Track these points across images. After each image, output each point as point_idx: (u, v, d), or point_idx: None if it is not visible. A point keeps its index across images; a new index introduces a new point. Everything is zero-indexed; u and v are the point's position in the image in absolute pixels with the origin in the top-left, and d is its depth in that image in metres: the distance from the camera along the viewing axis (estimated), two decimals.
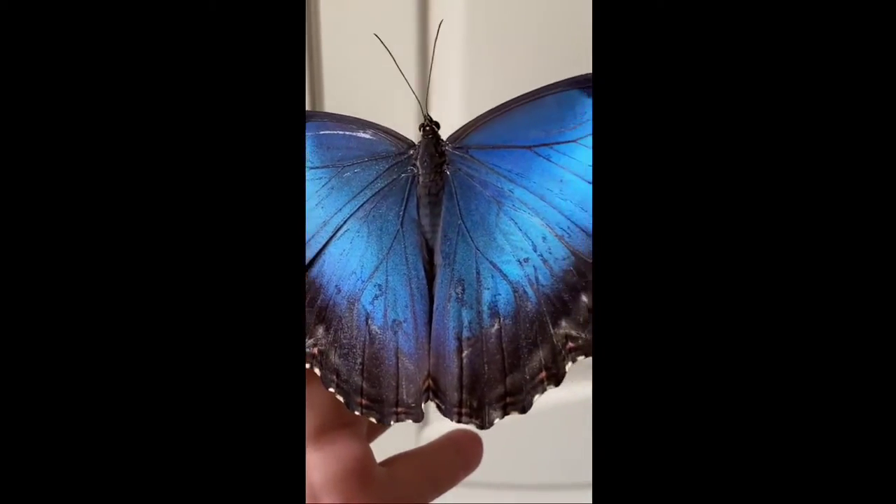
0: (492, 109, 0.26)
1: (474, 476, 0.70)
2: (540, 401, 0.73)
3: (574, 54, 0.49)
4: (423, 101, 0.27)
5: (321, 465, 0.27)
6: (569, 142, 0.26)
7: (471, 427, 0.27)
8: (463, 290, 0.26)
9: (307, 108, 0.46)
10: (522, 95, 0.26)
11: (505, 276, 0.26)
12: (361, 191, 0.27)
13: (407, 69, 0.48)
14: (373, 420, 0.27)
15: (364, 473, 0.27)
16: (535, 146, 0.26)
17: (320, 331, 0.27)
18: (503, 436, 0.69)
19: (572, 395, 0.66)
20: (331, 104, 0.48)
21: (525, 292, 0.26)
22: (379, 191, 0.27)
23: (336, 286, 0.27)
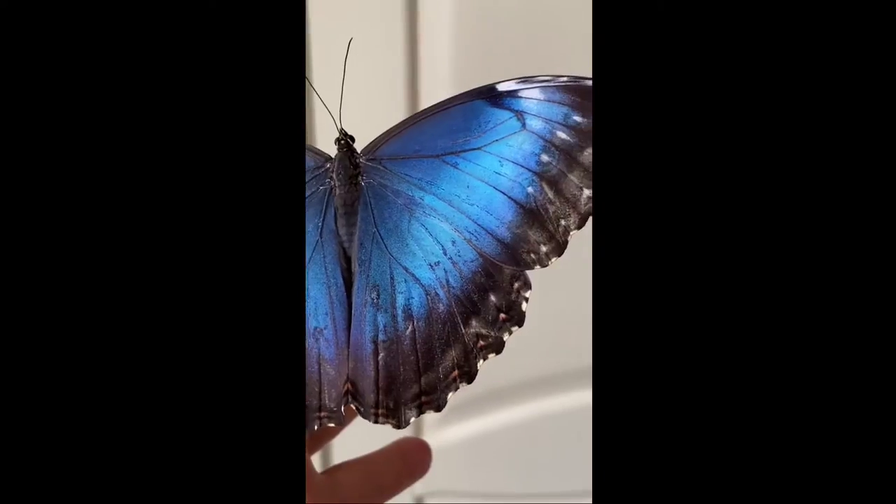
0: (402, 121, 0.28)
1: (468, 487, 0.70)
2: (537, 410, 0.73)
3: (564, 58, 0.50)
4: (338, 116, 0.28)
5: None
6: (474, 149, 0.27)
7: (388, 426, 0.27)
8: (378, 295, 0.27)
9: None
10: (430, 107, 0.27)
11: (417, 279, 0.27)
12: None
13: (396, 77, 0.50)
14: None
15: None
16: (443, 155, 0.27)
17: None
18: (501, 446, 0.69)
19: (570, 405, 0.66)
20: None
21: (437, 294, 0.27)
22: None
23: None
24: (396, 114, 0.49)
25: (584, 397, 0.64)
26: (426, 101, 0.51)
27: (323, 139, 0.49)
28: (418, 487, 0.66)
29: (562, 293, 0.58)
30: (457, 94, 0.27)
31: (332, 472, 0.30)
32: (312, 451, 0.32)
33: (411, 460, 0.33)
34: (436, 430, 0.66)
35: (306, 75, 0.31)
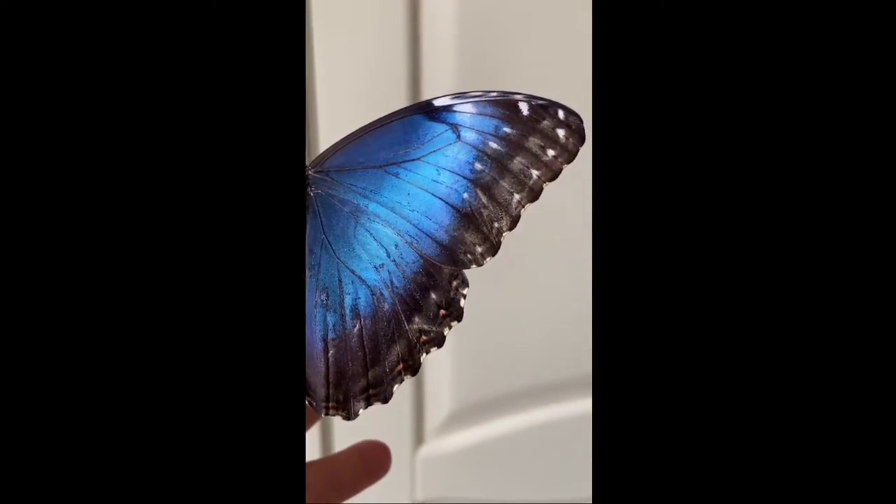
0: (347, 136, 0.30)
1: (469, 494, 0.70)
2: (536, 417, 0.73)
3: (564, 59, 0.51)
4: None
5: None
6: (414, 160, 0.29)
7: (339, 418, 0.29)
8: (327, 296, 0.29)
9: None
10: (372, 122, 0.29)
11: (363, 281, 0.29)
12: None
13: (398, 84, 0.51)
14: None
15: None
16: (385, 165, 0.29)
17: None
18: (502, 454, 0.70)
19: (571, 413, 0.67)
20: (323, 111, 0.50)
21: (382, 294, 0.29)
22: None
23: None
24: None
25: (585, 405, 0.65)
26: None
27: (325, 142, 0.51)
28: (419, 495, 0.67)
29: (561, 302, 0.60)
30: (395, 110, 0.29)
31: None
32: None
33: (370, 460, 0.34)
34: (437, 438, 0.67)
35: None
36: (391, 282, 0.29)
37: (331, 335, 0.29)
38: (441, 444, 0.67)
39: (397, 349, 0.29)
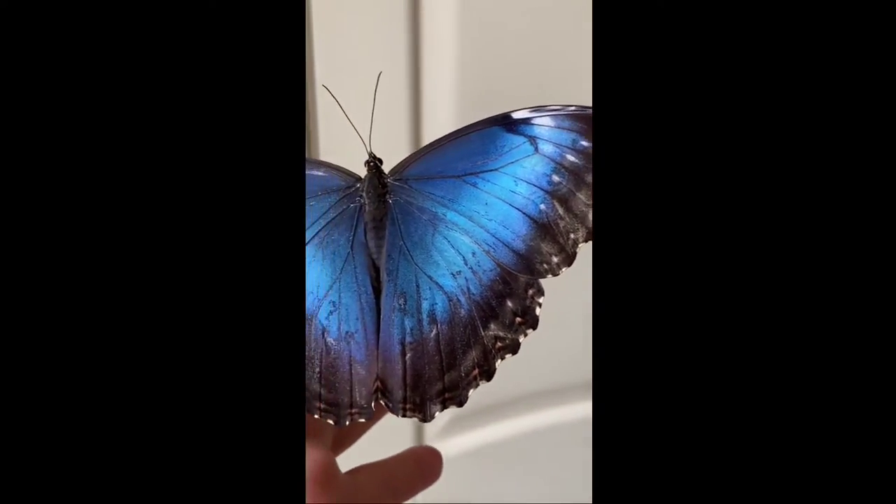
0: (426, 146, 0.31)
1: (471, 497, 0.70)
2: (536, 421, 0.74)
3: (565, 66, 0.51)
4: (368, 141, 0.31)
5: None
6: (492, 170, 0.30)
7: (414, 419, 0.30)
8: (405, 301, 0.30)
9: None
10: (450, 133, 0.30)
11: (441, 287, 0.30)
12: (316, 220, 0.31)
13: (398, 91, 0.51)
14: (330, 422, 0.30)
15: (326, 478, 0.31)
16: (463, 175, 0.30)
17: None
18: (503, 457, 0.70)
19: (571, 416, 0.68)
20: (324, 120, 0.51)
21: (459, 300, 0.30)
22: (331, 220, 0.31)
23: None
24: (399, 123, 0.51)
25: (585, 409, 0.66)
26: (428, 108, 0.53)
27: (326, 144, 0.51)
28: (419, 497, 0.67)
29: (562, 306, 0.61)
30: (474, 121, 0.30)
31: (353, 473, 0.33)
32: (340, 451, 0.34)
33: (424, 466, 0.35)
34: (438, 441, 0.67)
35: (330, 90, 0.33)
36: (468, 289, 0.30)
37: (408, 339, 0.30)
38: (442, 448, 0.66)
39: (473, 355, 0.29)
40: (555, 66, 0.54)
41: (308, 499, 0.30)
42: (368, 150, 0.32)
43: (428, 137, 0.55)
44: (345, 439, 0.34)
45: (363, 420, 0.30)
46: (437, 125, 0.53)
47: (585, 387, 0.44)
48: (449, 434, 0.67)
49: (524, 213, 0.30)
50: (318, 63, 0.49)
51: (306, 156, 0.49)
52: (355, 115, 0.50)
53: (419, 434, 0.66)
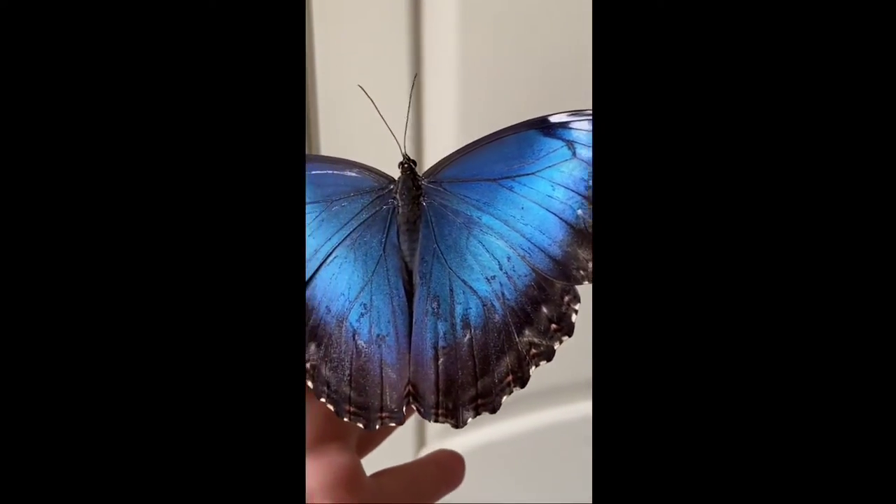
0: (461, 148, 0.30)
1: (471, 498, 0.71)
2: (537, 420, 0.74)
3: (566, 67, 0.51)
4: (403, 142, 0.31)
5: (316, 472, 0.30)
6: (529, 174, 0.29)
7: (448, 425, 0.30)
8: (438, 305, 0.30)
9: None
10: (487, 136, 0.30)
11: (475, 291, 0.29)
12: (348, 221, 0.31)
13: (399, 95, 0.51)
14: (360, 426, 0.30)
15: (353, 482, 0.30)
16: (499, 179, 0.30)
17: (312, 347, 0.30)
18: (503, 457, 0.70)
19: (572, 416, 0.68)
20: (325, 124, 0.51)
21: (493, 306, 0.29)
22: (364, 221, 0.31)
23: (326, 307, 0.30)
24: (400, 123, 0.51)
25: (585, 409, 0.67)
26: (429, 108, 0.54)
27: (327, 142, 0.51)
28: None
29: None
30: (510, 125, 0.30)
31: (378, 477, 0.33)
32: (365, 453, 0.34)
33: (448, 470, 0.35)
34: (439, 441, 0.67)
35: (369, 95, 0.33)
36: (503, 294, 0.29)
37: (441, 343, 0.29)
38: (442, 447, 0.67)
39: (507, 361, 0.29)
40: (555, 65, 0.54)
41: (337, 500, 0.30)
42: (403, 151, 0.31)
43: (429, 136, 0.55)
44: (369, 443, 0.34)
45: (393, 424, 0.30)
46: (438, 125, 0.53)
47: (585, 386, 0.44)
48: (449, 434, 0.67)
49: (561, 218, 0.29)
50: (318, 63, 0.49)
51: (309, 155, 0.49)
52: (355, 115, 0.49)
53: (420, 434, 0.66)
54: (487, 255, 0.30)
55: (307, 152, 0.51)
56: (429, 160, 0.54)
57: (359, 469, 0.31)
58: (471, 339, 0.29)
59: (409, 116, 0.52)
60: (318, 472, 0.30)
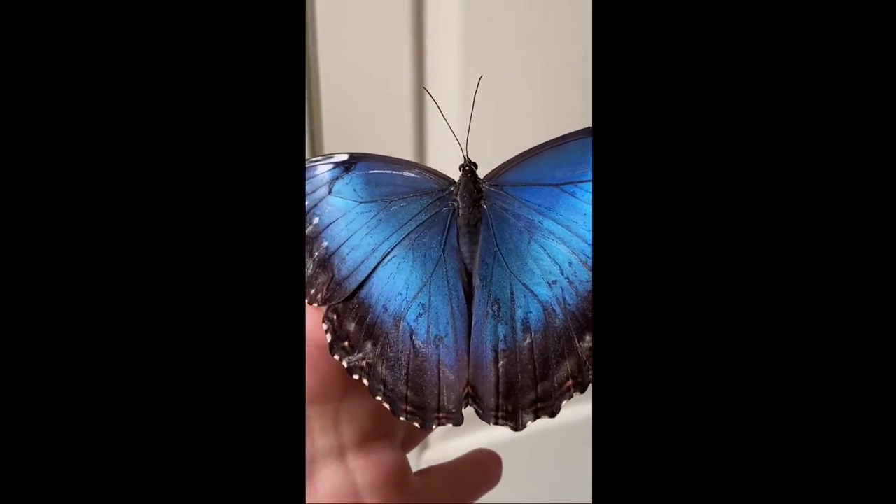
0: (522, 153, 0.31)
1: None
2: (537, 422, 0.75)
3: (567, 63, 0.51)
4: (465, 145, 0.31)
5: (364, 469, 0.30)
6: (591, 180, 0.30)
7: (506, 429, 0.30)
8: (499, 308, 0.30)
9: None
10: (548, 141, 0.30)
11: (536, 296, 0.30)
12: (407, 222, 0.31)
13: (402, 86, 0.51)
14: (416, 425, 0.30)
15: (401, 479, 0.31)
16: (561, 184, 0.30)
17: (368, 345, 0.30)
18: (504, 458, 0.71)
19: (570, 417, 0.69)
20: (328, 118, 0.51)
21: (553, 310, 0.30)
22: (423, 222, 0.31)
23: (383, 306, 0.30)
24: (402, 124, 0.51)
25: (585, 410, 0.67)
26: (430, 108, 0.54)
27: (329, 139, 0.51)
28: None
29: None
30: (573, 131, 0.30)
31: (422, 475, 0.33)
32: (409, 449, 0.34)
33: (487, 470, 0.36)
34: (440, 441, 0.67)
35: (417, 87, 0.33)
36: (564, 299, 0.30)
37: (501, 346, 0.30)
38: (444, 449, 0.68)
39: (567, 365, 0.29)
40: (556, 65, 0.55)
41: (386, 498, 0.30)
42: (465, 154, 0.31)
43: (431, 137, 0.55)
44: (410, 441, 0.34)
45: (452, 425, 0.30)
46: (440, 126, 0.53)
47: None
48: (450, 434, 0.67)
49: None
50: (321, 65, 0.49)
51: (312, 154, 0.49)
52: (355, 116, 0.49)
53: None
54: (549, 259, 0.30)
55: (315, 146, 0.51)
56: (432, 157, 0.54)
57: (407, 467, 0.31)
58: (531, 343, 0.29)
59: (410, 114, 0.53)
60: (366, 469, 0.30)
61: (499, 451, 0.70)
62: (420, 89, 0.53)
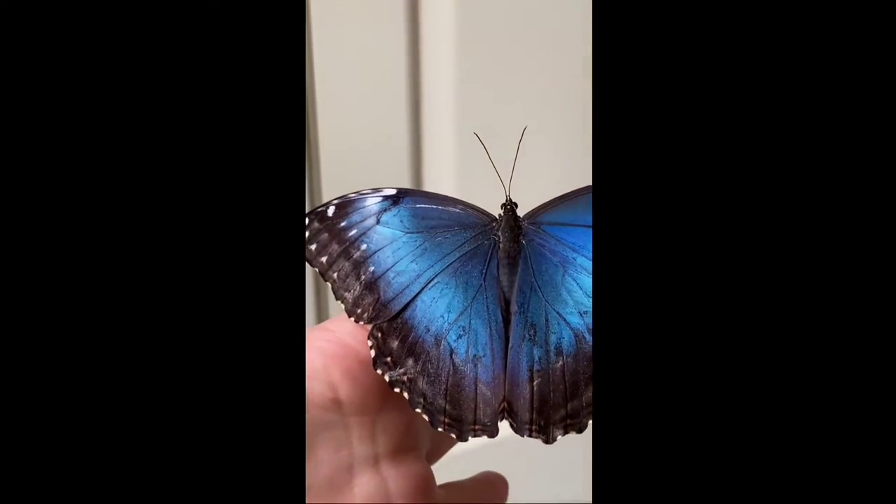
0: (558, 197, 0.34)
1: None
2: None
3: (567, 62, 0.53)
4: (507, 186, 0.35)
5: (396, 477, 0.33)
6: None
7: (539, 441, 0.34)
8: (535, 332, 0.33)
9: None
10: (581, 188, 0.34)
11: (568, 323, 0.33)
12: (451, 252, 0.34)
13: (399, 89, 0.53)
14: (452, 436, 0.34)
15: (428, 490, 0.34)
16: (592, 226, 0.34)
17: (410, 362, 0.33)
18: (502, 457, 0.73)
19: None
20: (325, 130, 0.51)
21: (584, 337, 0.33)
22: (466, 252, 0.34)
23: (426, 326, 0.34)
24: (400, 126, 0.52)
25: None
26: (429, 108, 0.55)
27: (326, 142, 0.52)
28: None
29: None
30: None
31: (444, 488, 0.36)
32: (435, 460, 0.38)
33: (497, 490, 0.40)
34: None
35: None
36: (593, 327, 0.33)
37: (536, 367, 0.33)
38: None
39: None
40: (555, 57, 0.56)
41: None
42: (507, 194, 0.35)
43: (428, 144, 0.56)
44: (433, 454, 0.38)
45: (486, 437, 0.34)
46: (438, 127, 0.55)
47: None
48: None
49: None
50: (317, 65, 0.51)
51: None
52: (356, 117, 0.50)
53: None
54: (580, 291, 0.33)
55: (314, 160, 0.52)
56: (428, 178, 0.56)
57: (432, 478, 0.35)
58: (563, 366, 0.33)
59: (406, 117, 0.54)
60: (398, 478, 0.33)
61: (499, 451, 0.73)
62: (416, 91, 0.55)
